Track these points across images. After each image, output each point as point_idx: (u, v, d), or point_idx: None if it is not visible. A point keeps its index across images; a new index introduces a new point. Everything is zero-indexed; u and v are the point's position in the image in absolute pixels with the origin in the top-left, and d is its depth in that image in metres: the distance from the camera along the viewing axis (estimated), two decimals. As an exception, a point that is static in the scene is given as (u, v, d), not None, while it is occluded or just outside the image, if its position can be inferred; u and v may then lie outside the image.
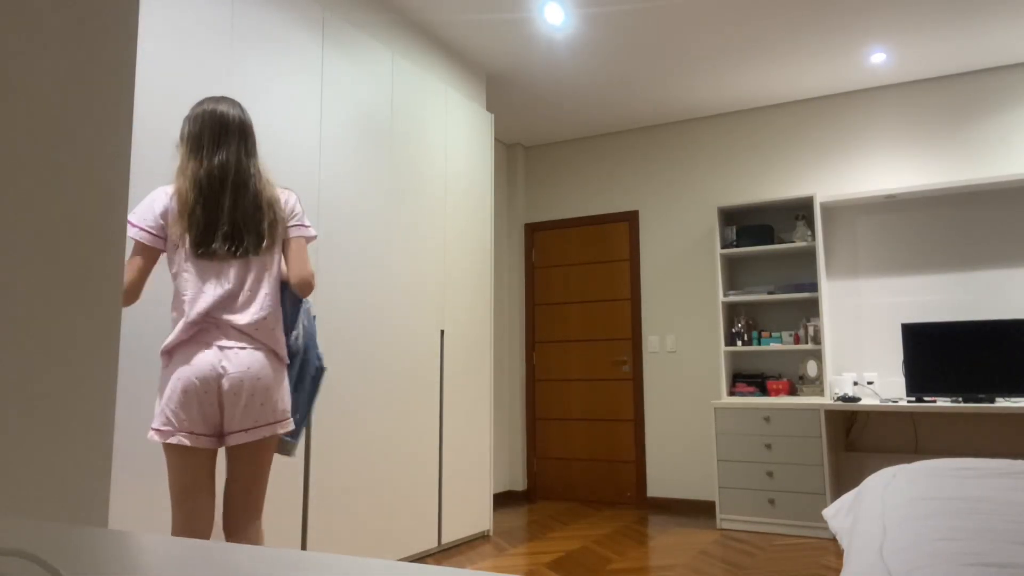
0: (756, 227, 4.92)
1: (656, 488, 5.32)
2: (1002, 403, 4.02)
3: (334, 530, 3.17)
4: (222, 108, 2.09)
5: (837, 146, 5.02)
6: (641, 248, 5.60)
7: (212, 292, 2.01)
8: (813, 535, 4.25)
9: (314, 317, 2.35)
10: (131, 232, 2.01)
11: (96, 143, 1.00)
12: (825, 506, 4.19)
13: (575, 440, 5.65)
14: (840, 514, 2.22)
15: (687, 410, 5.29)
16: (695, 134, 5.51)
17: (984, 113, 4.64)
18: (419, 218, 3.86)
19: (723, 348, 4.86)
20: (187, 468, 2.00)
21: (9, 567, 0.52)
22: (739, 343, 4.90)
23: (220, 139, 2.06)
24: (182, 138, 2.09)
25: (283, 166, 3.06)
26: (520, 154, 6.08)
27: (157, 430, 1.98)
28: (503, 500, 5.59)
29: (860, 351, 4.78)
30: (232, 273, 2.04)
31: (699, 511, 5.14)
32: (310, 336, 2.28)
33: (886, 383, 4.68)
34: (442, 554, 3.84)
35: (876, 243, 4.81)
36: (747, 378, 4.97)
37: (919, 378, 4.28)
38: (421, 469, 3.74)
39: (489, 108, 5.23)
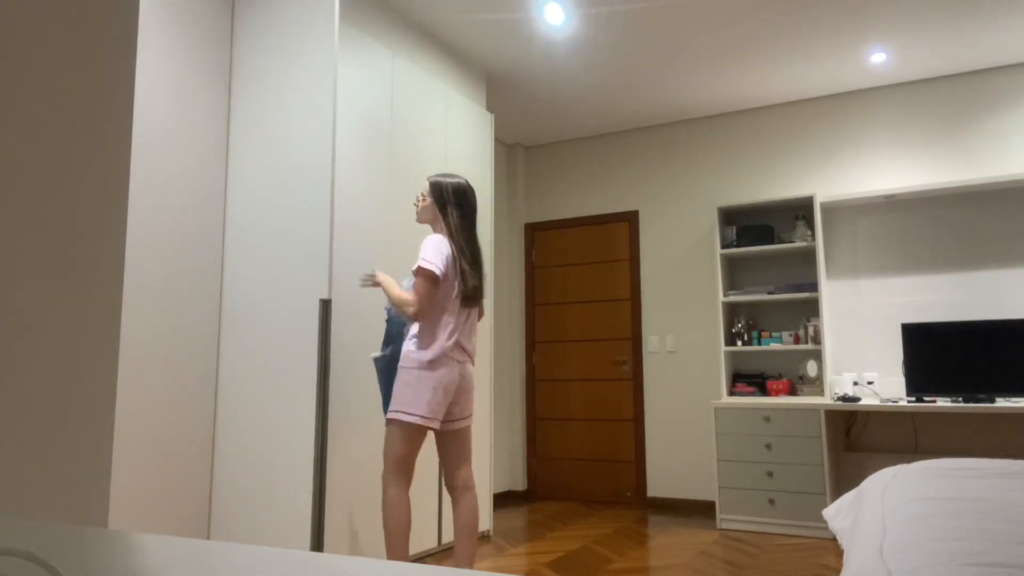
0: (756, 227, 4.92)
1: (656, 488, 5.32)
2: (1002, 403, 4.01)
3: (335, 529, 3.17)
4: (469, 192, 2.95)
5: (837, 146, 5.02)
6: (641, 248, 5.59)
7: (457, 324, 2.87)
8: (813, 535, 4.25)
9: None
10: (435, 270, 2.79)
11: (96, 143, 1.00)
12: (825, 506, 4.19)
13: (575, 440, 5.65)
14: (840, 514, 2.22)
15: (687, 410, 5.29)
16: (695, 134, 5.51)
17: (984, 113, 4.64)
18: (419, 218, 3.86)
19: (723, 348, 4.86)
20: (417, 442, 2.82)
21: (9, 567, 0.52)
22: (739, 343, 4.90)
23: (473, 217, 2.95)
24: (449, 200, 2.90)
25: (282, 167, 3.05)
26: (520, 154, 6.08)
27: (422, 416, 2.77)
28: (503, 500, 5.59)
29: (860, 351, 4.78)
30: (467, 311, 2.93)
31: (699, 511, 5.14)
32: None
33: (886, 383, 4.68)
34: (442, 554, 3.84)
35: (876, 243, 4.81)
36: (747, 378, 4.97)
37: (919, 378, 4.28)
38: (421, 469, 3.74)
39: (489, 108, 5.23)
